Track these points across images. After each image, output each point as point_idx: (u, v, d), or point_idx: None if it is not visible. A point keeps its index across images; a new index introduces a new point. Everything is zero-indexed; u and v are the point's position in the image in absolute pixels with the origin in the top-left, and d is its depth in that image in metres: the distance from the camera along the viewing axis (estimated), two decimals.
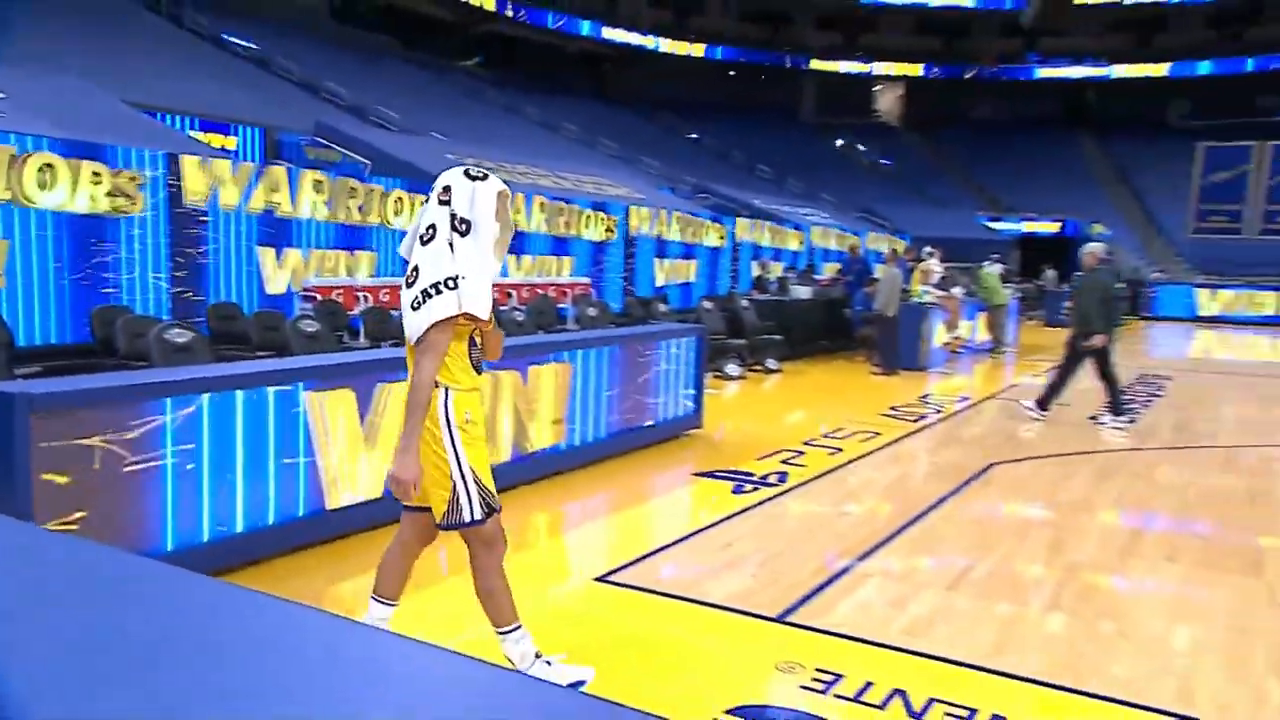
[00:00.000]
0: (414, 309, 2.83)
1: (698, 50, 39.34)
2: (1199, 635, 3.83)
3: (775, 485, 6.09)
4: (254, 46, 23.20)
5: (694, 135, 35.98)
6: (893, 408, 9.32)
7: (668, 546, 4.83)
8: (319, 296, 9.09)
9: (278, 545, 4.29)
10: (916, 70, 41.42)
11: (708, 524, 5.21)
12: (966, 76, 41.14)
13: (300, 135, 16.09)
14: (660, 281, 15.11)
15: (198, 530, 3.93)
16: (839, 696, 3.18)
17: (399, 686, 1.25)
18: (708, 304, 11.95)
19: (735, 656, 3.55)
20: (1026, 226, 31.75)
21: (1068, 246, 30.38)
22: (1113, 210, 33.98)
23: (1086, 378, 8.84)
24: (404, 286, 2.91)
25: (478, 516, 2.92)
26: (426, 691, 1.27)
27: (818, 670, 3.36)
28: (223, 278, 8.87)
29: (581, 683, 3.11)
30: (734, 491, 5.91)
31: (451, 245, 2.83)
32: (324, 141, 15.26)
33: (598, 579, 4.26)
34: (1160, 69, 38.50)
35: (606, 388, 6.46)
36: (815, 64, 41.23)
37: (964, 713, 3.09)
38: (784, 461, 6.76)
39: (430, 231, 2.85)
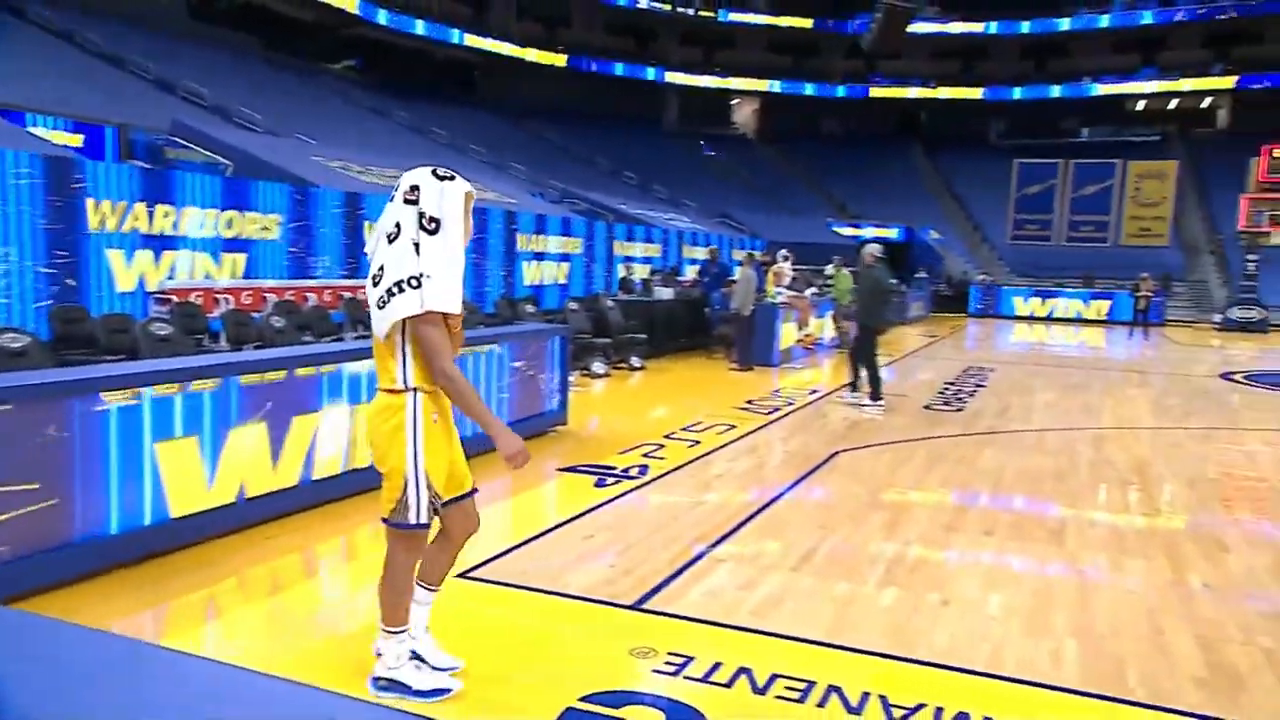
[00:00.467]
0: (379, 307, 2.88)
1: (564, 61, 39.52)
2: (1009, 601, 4.25)
3: (636, 478, 6.27)
4: (105, 43, 21.69)
5: (559, 142, 36.09)
6: (748, 401, 9.71)
7: (530, 540, 4.91)
8: (175, 299, 8.65)
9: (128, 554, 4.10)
10: (771, 86, 43.16)
11: (570, 517, 5.32)
12: (815, 94, 43.24)
13: (156, 135, 15.16)
14: (530, 282, 15.12)
15: None
16: (689, 678, 3.36)
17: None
18: (574, 305, 12.07)
19: (591, 645, 3.68)
20: (871, 232, 33.53)
21: (907, 251, 32.38)
22: (943, 218, 36.40)
23: (923, 370, 9.48)
24: (370, 285, 2.95)
25: (422, 520, 2.98)
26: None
27: (670, 654, 3.52)
28: (88, 276, 8.28)
29: (442, 692, 3.12)
30: (596, 485, 6.05)
31: (417, 245, 2.86)
32: (182, 141, 14.41)
33: (461, 575, 4.30)
34: (978, 93, 41.72)
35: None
36: (677, 77, 42.23)
37: (802, 685, 3.33)
38: (645, 455, 6.96)
39: (395, 230, 2.88)
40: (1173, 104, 40.09)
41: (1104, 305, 27.27)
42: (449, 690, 3.14)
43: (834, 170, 39.21)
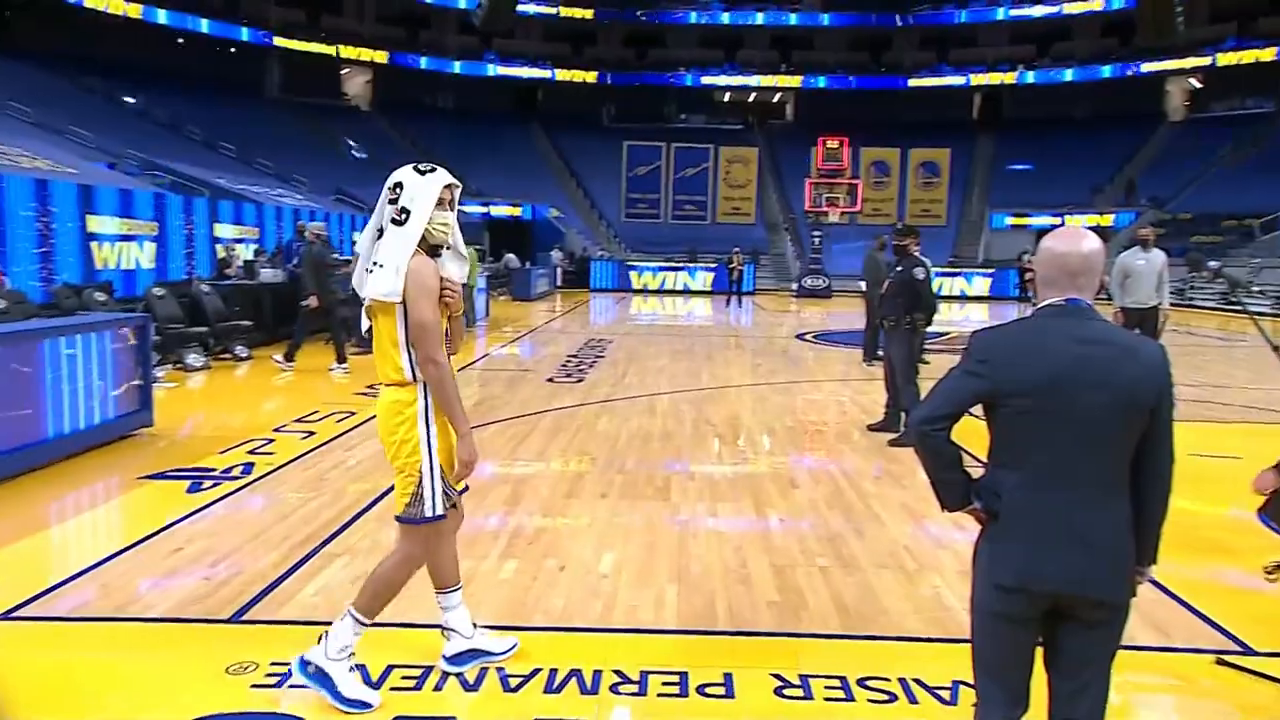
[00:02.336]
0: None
1: (134, 11, 34.40)
2: (619, 557, 4.51)
3: (239, 478, 5.70)
4: None
5: (133, 101, 31.51)
6: (370, 386, 9.29)
7: (102, 563, 4.23)
8: None
9: None
10: (383, 57, 41.56)
11: (155, 530, 4.68)
12: (430, 68, 42.50)
13: None
14: (105, 266, 13.07)
15: None
16: (295, 686, 3.10)
17: None
18: (160, 290, 10.65)
19: (180, 671, 3.25)
20: (494, 210, 33.95)
21: (529, 229, 33.30)
22: (563, 197, 38.02)
23: (547, 345, 9.74)
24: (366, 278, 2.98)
25: (438, 512, 3.00)
26: None
27: (274, 664, 3.23)
28: None
29: (365, 705, 2.98)
30: (189, 490, 5.41)
31: (383, 235, 2.94)
32: None
33: (3, 617, 3.57)
34: (593, 76, 44.03)
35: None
36: (280, 41, 38.95)
37: (419, 672, 3.24)
38: (251, 452, 6.37)
39: (379, 231, 2.98)
40: (751, 97, 45.44)
41: (708, 277, 30.24)
42: (370, 706, 2.99)
43: (455, 147, 38.93)
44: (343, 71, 42.84)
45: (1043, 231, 32.24)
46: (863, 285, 11.84)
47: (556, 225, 34.57)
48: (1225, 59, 37.88)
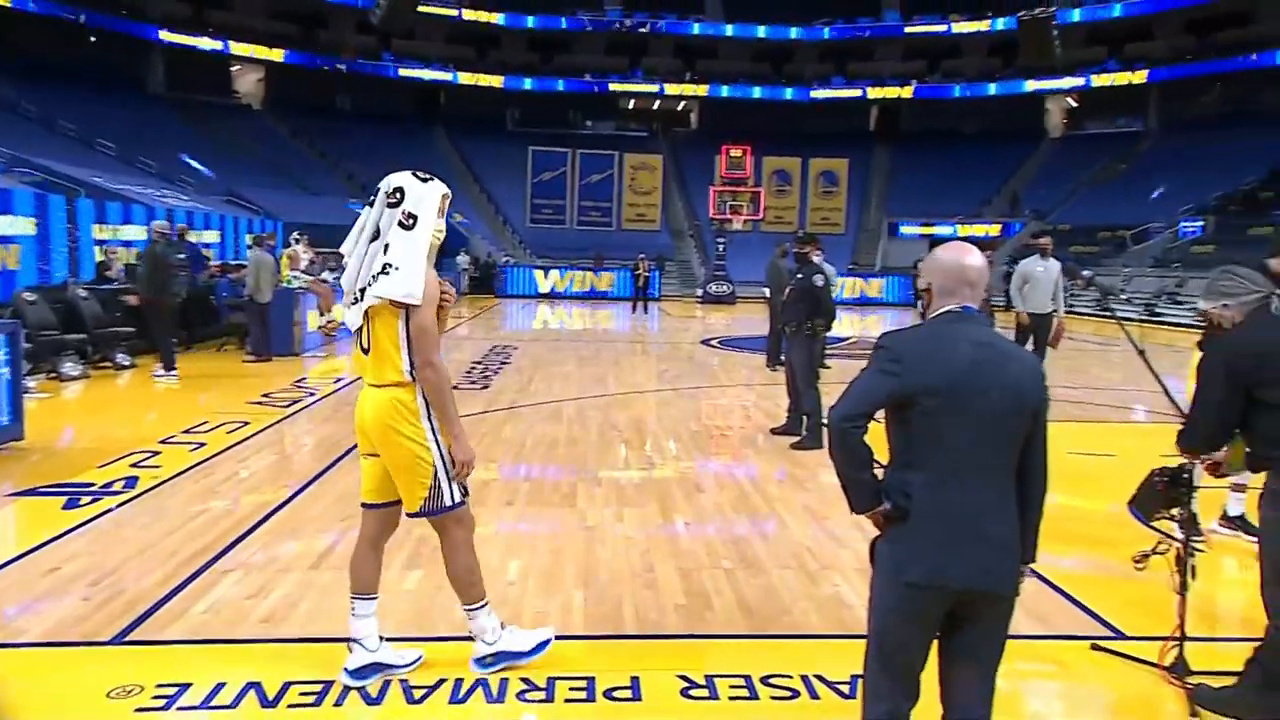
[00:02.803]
0: (356, 300, 3.07)
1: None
2: (526, 564, 4.48)
3: (121, 493, 5.42)
4: None
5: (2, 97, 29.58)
6: (265, 395, 9.00)
7: None
8: None
9: None
10: (278, 55, 40.17)
11: (26, 550, 4.41)
12: (328, 68, 41.30)
13: None
14: None
15: None
16: (184, 708, 2.98)
17: None
18: (30, 295, 10.03)
19: (59, 696, 3.08)
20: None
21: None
22: (467, 202, 37.49)
23: (452, 352, 9.57)
24: (350, 282, 3.09)
25: (458, 500, 3.13)
26: None
27: (160, 686, 3.09)
28: None
29: (545, 643, 3.31)
30: (66, 507, 5.11)
31: (389, 242, 3.00)
32: None
33: None
34: (497, 80, 43.59)
35: None
36: (165, 35, 37.17)
37: (319, 687, 3.15)
38: (134, 465, 6.07)
39: (376, 231, 3.05)
40: (656, 105, 45.80)
41: (614, 283, 30.24)
42: (551, 639, 3.34)
43: (354, 150, 37.95)
44: (233, 69, 41.19)
45: (937, 241, 33.67)
46: (766, 291, 12.08)
47: (460, 230, 34.08)
48: (1099, 80, 40.22)
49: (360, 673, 3.19)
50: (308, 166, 36.23)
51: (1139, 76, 39.31)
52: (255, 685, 3.12)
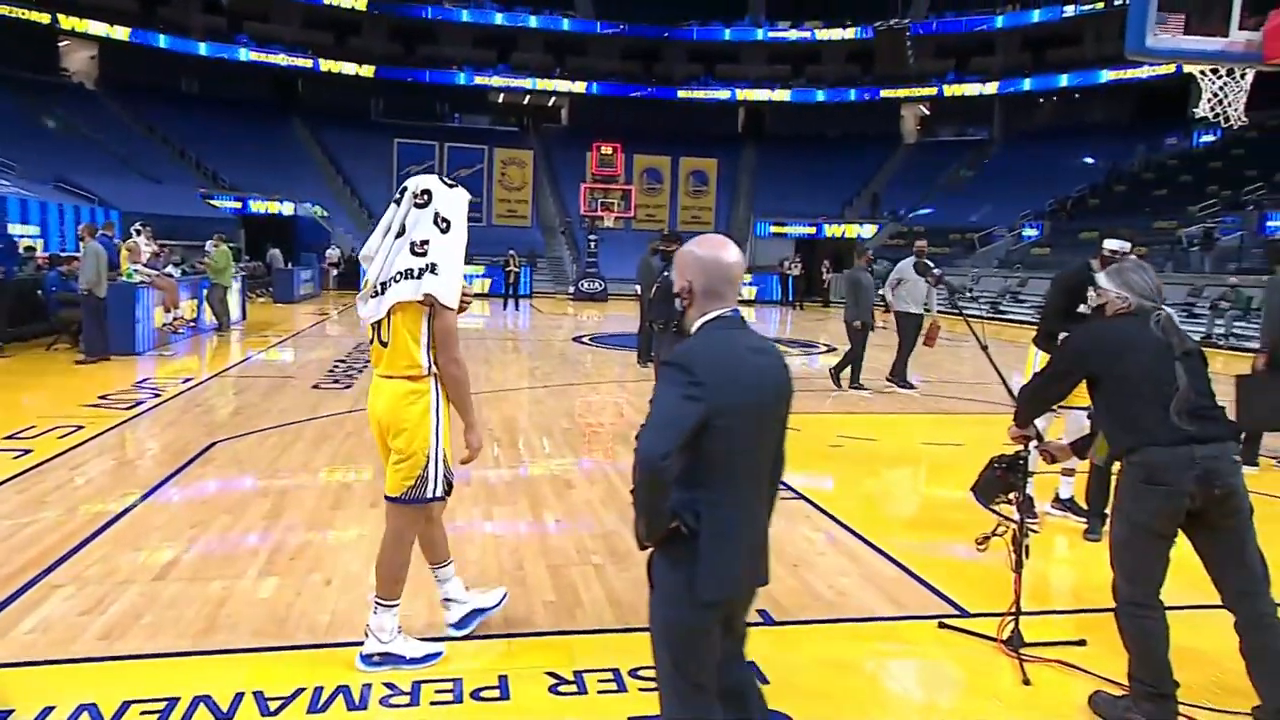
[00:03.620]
0: (379, 293, 3.15)
1: None
2: None
3: None
4: None
5: None
6: (102, 396, 8.39)
7: None
8: None
9: None
10: (115, 31, 37.46)
11: None
12: (172, 48, 38.86)
13: None
14: None
15: None
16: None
17: None
18: None
19: None
20: (252, 206, 31.67)
21: (291, 227, 31.36)
22: (329, 194, 36.17)
23: (314, 349, 9.21)
24: (372, 277, 3.19)
25: (438, 494, 3.27)
26: None
27: None
28: None
29: (435, 655, 3.34)
30: None
31: (427, 242, 3.10)
32: None
33: None
34: (362, 69, 42.19)
35: None
36: None
37: (162, 704, 2.96)
38: None
39: (402, 229, 3.15)
40: (526, 100, 45.43)
41: (484, 283, 29.79)
42: (439, 655, 3.35)
43: (202, 135, 35.90)
44: (61, 44, 38.13)
45: (802, 240, 34.84)
46: (637, 289, 12.18)
47: (322, 224, 32.81)
48: (950, 90, 42.62)
49: (464, 622, 3.57)
50: (151, 153, 33.95)
51: (990, 88, 41.90)
52: (89, 707, 2.91)
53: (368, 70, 41.91)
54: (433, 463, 3.22)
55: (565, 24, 44.54)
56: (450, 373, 3.20)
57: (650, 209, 38.35)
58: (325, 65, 41.69)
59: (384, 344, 3.20)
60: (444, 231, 3.15)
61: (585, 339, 16.71)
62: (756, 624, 3.81)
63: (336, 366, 11.32)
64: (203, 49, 39.52)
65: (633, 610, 3.88)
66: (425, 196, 3.16)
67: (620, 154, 32.20)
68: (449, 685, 3.18)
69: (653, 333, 8.59)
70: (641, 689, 3.19)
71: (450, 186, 3.23)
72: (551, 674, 3.27)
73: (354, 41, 42.68)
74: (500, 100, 45.47)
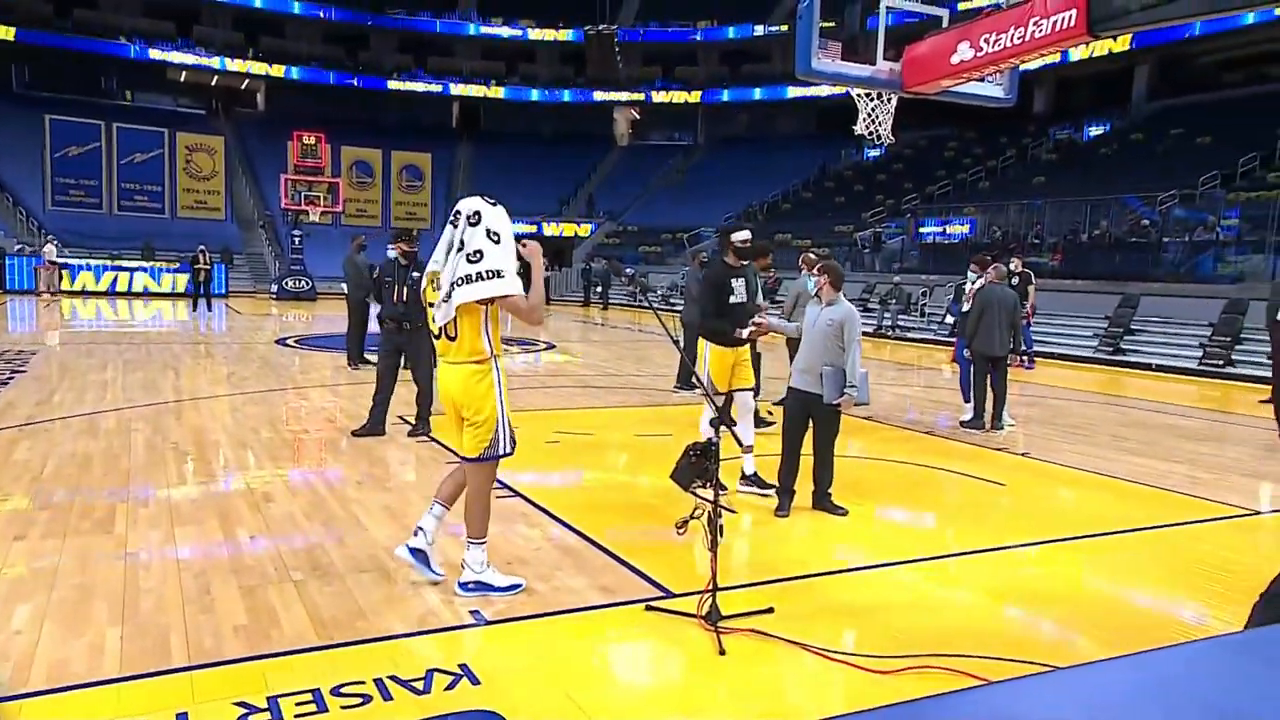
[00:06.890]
0: (446, 299, 3.88)
1: None
2: (39, 606, 3.76)
3: None
4: None
5: None
6: None
7: None
8: None
9: None
10: None
11: None
12: None
13: None
14: None
15: None
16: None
17: None
18: None
19: None
20: None
21: None
22: None
23: None
24: (435, 284, 4.00)
25: (508, 450, 4.01)
26: None
27: None
28: None
29: (518, 585, 4.06)
30: None
31: (481, 252, 3.83)
32: None
33: None
34: (4, 30, 36.15)
35: None
36: None
37: None
38: None
39: (461, 244, 3.89)
40: (214, 81, 41.49)
41: (178, 279, 26.81)
42: (521, 585, 4.06)
43: None
44: None
45: (520, 238, 34.92)
46: (345, 287, 11.58)
47: None
48: (658, 96, 44.82)
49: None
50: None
51: (693, 97, 44.56)
52: None
53: (6, 32, 35.87)
54: (501, 425, 3.94)
55: (258, 1, 41.29)
56: (534, 319, 4.03)
57: (361, 204, 36.75)
58: None
59: (451, 338, 3.91)
60: (496, 243, 3.84)
61: (291, 341, 15.63)
62: (468, 625, 3.75)
63: None
64: None
65: (338, 626, 3.66)
66: (477, 216, 3.88)
67: (325, 144, 30.43)
68: None
69: (383, 333, 8.15)
70: (344, 706, 3.02)
71: (493, 205, 3.95)
72: (241, 704, 2.99)
73: None
74: (183, 79, 41.17)
